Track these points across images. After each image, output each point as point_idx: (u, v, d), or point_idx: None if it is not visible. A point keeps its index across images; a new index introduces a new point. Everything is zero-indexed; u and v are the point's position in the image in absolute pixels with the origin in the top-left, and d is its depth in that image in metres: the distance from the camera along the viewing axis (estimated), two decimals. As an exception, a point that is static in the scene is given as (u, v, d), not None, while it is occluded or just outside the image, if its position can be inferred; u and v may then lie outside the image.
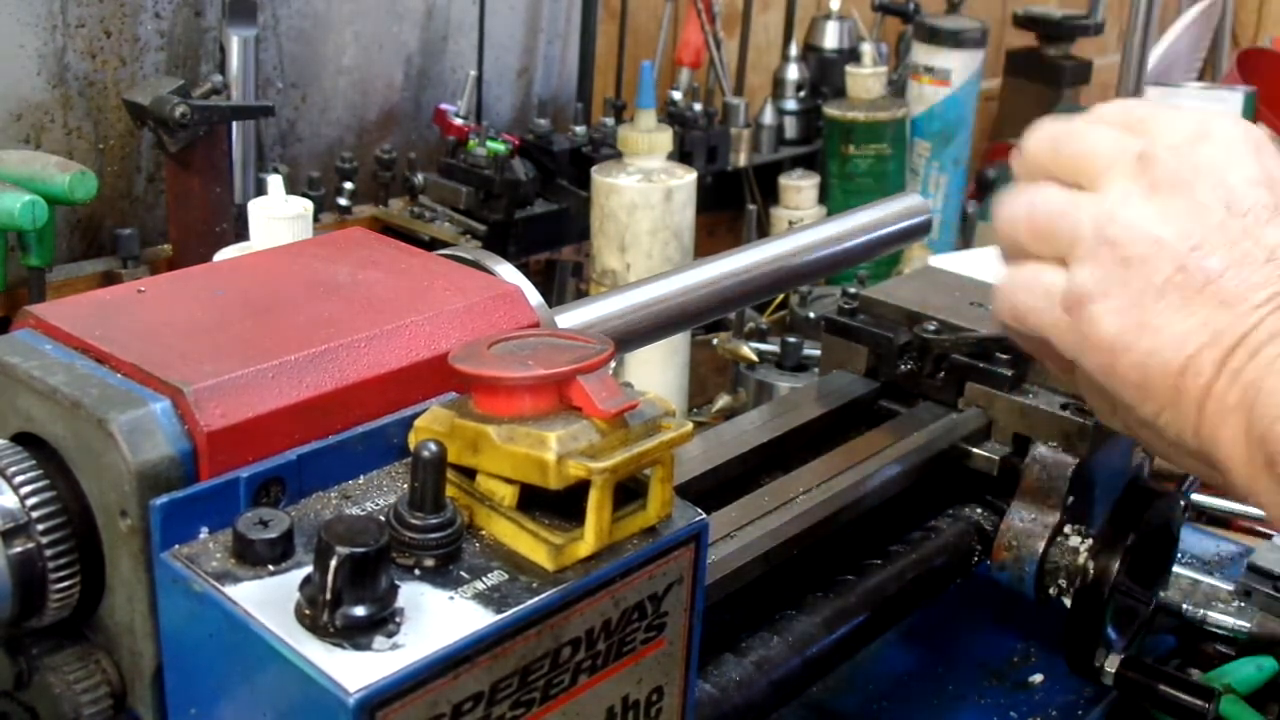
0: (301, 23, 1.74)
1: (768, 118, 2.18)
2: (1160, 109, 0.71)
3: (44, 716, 0.58)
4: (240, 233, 1.46)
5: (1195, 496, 1.32)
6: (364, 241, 0.75)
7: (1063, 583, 0.92)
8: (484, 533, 0.56)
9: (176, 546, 0.54)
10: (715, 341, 1.76)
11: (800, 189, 2.15)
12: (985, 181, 2.36)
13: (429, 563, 0.53)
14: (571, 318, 0.79)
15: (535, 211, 1.82)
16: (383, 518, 0.54)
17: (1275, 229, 0.65)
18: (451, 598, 0.52)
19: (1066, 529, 0.92)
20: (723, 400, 1.73)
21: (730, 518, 0.83)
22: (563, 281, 1.89)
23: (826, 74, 2.30)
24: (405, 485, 0.57)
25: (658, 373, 1.70)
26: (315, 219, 1.37)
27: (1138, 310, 0.66)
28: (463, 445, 0.56)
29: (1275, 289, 0.64)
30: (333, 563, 0.48)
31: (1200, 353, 0.64)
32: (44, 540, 0.56)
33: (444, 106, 1.86)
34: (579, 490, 0.54)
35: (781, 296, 1.85)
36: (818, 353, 1.37)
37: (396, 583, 0.51)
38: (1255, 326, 0.64)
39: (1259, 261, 0.65)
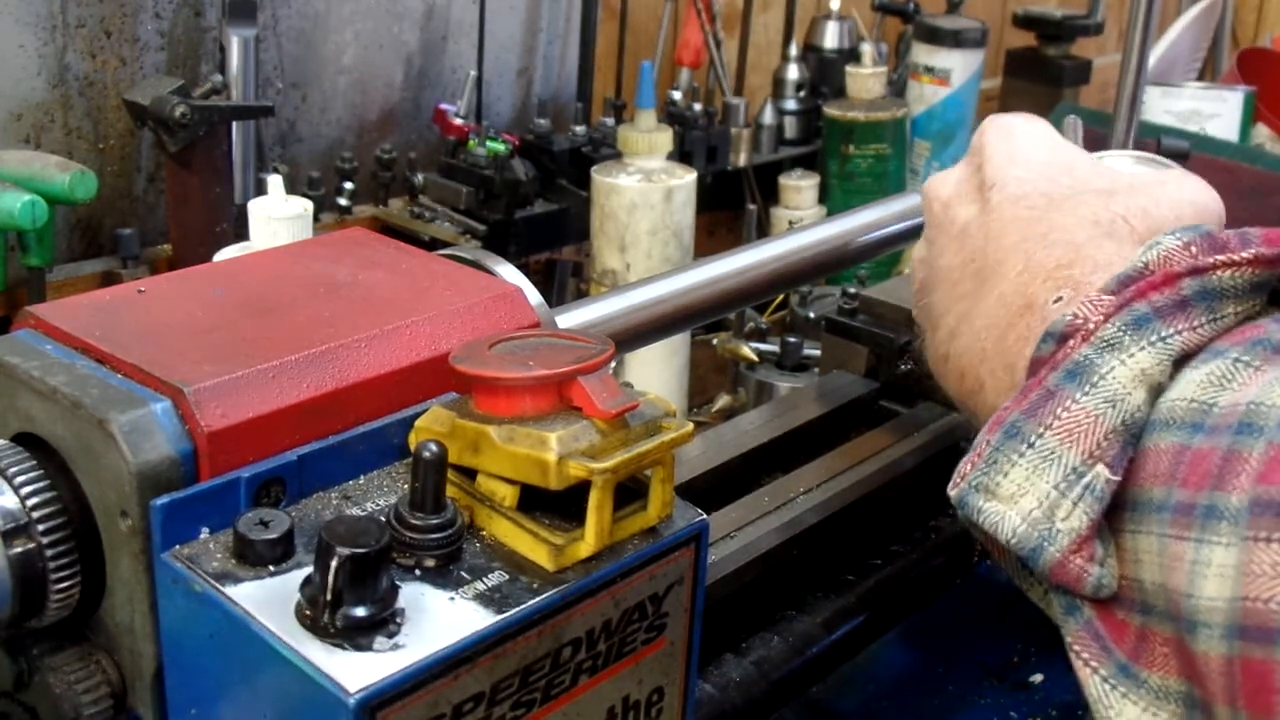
0: (301, 23, 1.74)
1: (768, 118, 2.19)
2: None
3: (44, 717, 0.58)
4: (240, 233, 1.46)
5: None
6: (364, 241, 0.75)
7: (1063, 583, 0.91)
8: (484, 533, 0.56)
9: (177, 547, 0.54)
10: (715, 341, 1.77)
11: (800, 189, 2.15)
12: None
13: (429, 563, 0.53)
14: (571, 318, 0.79)
15: (535, 211, 1.82)
16: (383, 518, 0.54)
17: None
18: (452, 598, 0.52)
19: (1067, 529, 0.92)
20: (723, 400, 1.74)
21: (730, 518, 0.83)
22: (563, 281, 1.89)
23: (826, 74, 2.30)
24: (406, 485, 0.57)
25: (658, 373, 1.70)
26: (315, 219, 1.37)
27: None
28: (463, 445, 0.56)
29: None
30: (333, 563, 0.48)
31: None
32: (44, 540, 0.56)
33: (444, 106, 1.87)
34: (579, 491, 0.54)
35: (781, 296, 1.85)
36: (818, 353, 1.37)
37: (397, 583, 0.51)
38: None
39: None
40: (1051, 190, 0.69)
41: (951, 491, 0.57)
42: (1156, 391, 0.54)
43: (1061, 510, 0.54)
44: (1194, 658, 0.50)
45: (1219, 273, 0.55)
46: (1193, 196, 0.70)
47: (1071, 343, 0.56)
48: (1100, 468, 0.53)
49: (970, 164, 0.75)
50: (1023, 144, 0.74)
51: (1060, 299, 0.61)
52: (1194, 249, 0.56)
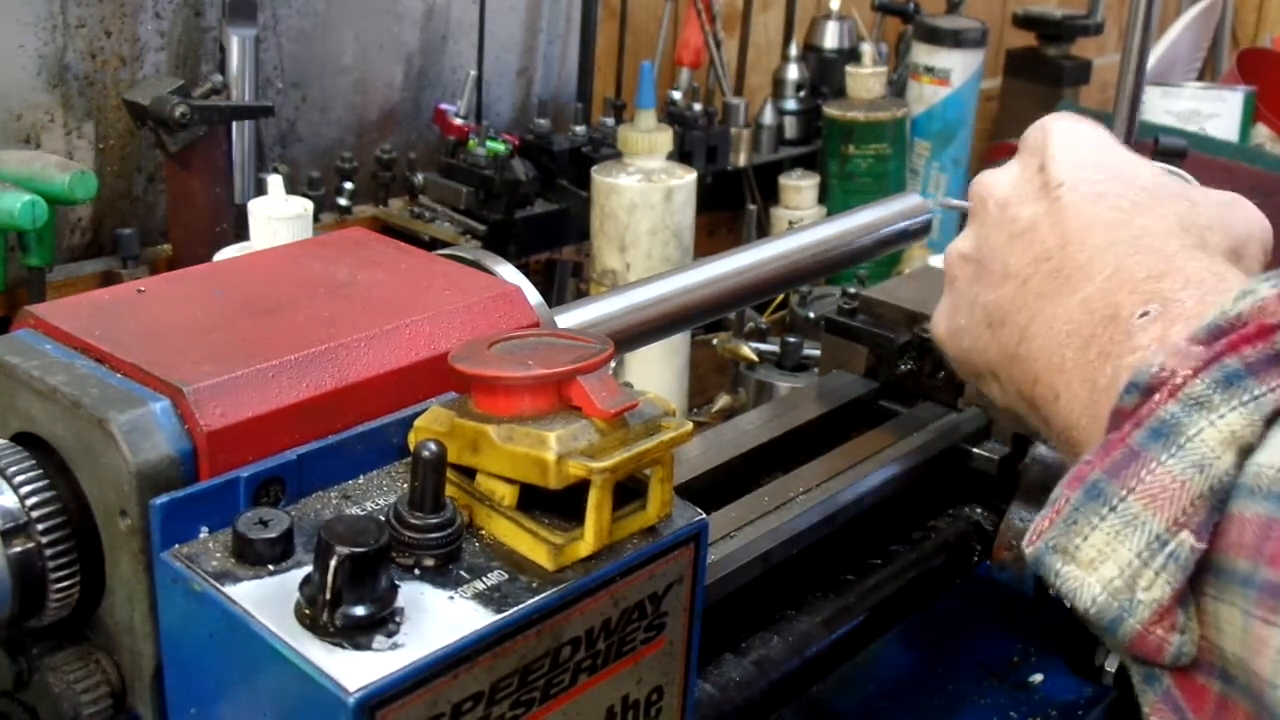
0: (301, 23, 1.74)
1: (768, 118, 2.18)
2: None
3: (44, 716, 0.58)
4: (240, 233, 1.46)
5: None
6: (364, 241, 0.75)
7: (1063, 583, 0.91)
8: (484, 532, 0.56)
9: (176, 546, 0.54)
10: (715, 341, 1.76)
11: (800, 189, 2.15)
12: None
13: (429, 562, 0.53)
14: (571, 318, 0.79)
15: (535, 211, 1.82)
16: (382, 517, 0.54)
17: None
18: (451, 597, 0.52)
19: (1066, 529, 0.92)
20: (723, 400, 1.73)
21: (730, 518, 0.83)
22: (563, 281, 1.89)
23: (826, 74, 2.30)
24: (405, 485, 0.57)
25: (658, 373, 1.70)
26: (315, 219, 1.37)
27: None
28: (462, 445, 0.56)
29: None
30: (333, 562, 0.48)
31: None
32: (44, 540, 0.56)
33: (444, 106, 1.86)
34: (579, 490, 0.54)
35: (781, 296, 1.85)
36: (818, 353, 1.37)
37: (396, 582, 0.51)
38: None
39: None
40: (1130, 193, 0.67)
41: (1027, 549, 0.55)
42: (1246, 451, 0.52)
43: (1143, 580, 0.51)
44: None
45: None
46: (1260, 219, 0.69)
47: (1157, 397, 0.53)
48: (1185, 534, 0.51)
49: (1029, 164, 0.73)
50: (1088, 146, 0.72)
51: (1147, 314, 0.59)
52: None
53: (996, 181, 0.75)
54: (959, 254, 0.77)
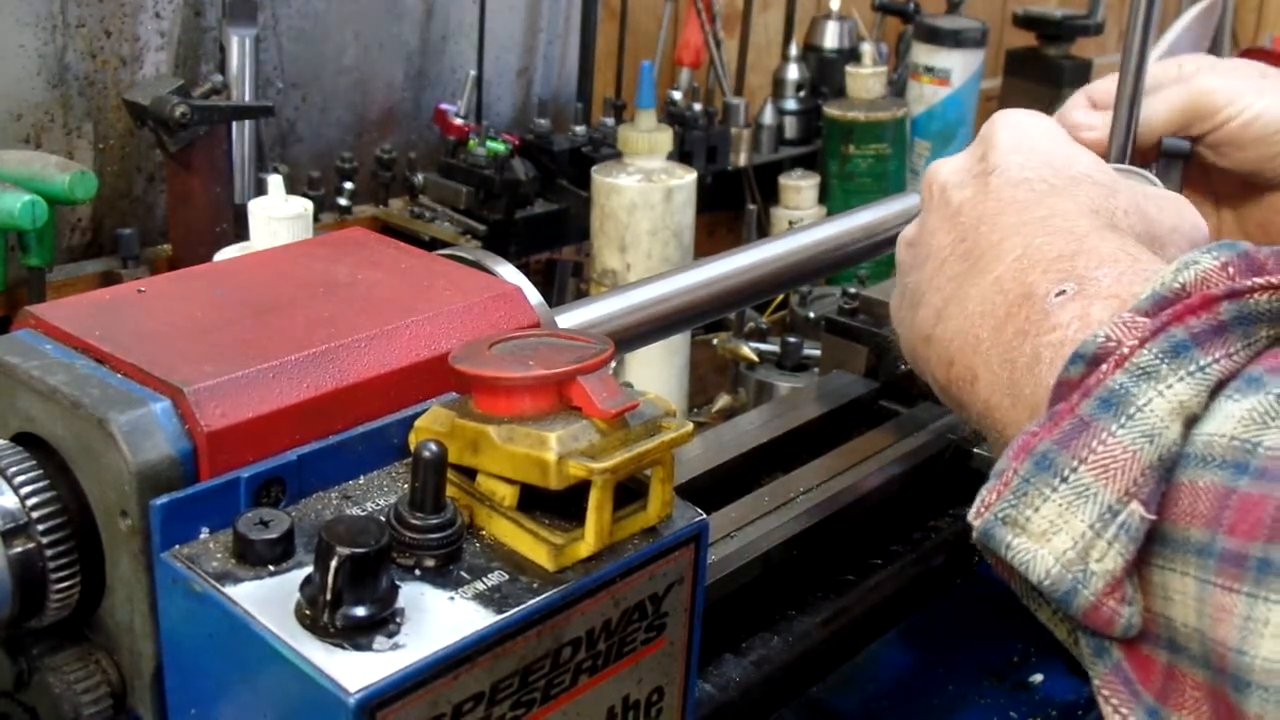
0: (301, 23, 1.74)
1: (768, 118, 2.18)
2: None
3: (44, 717, 0.58)
4: (240, 233, 1.46)
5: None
6: (364, 241, 0.75)
7: (1063, 583, 0.91)
8: (484, 533, 0.56)
9: (177, 547, 0.54)
10: (715, 341, 1.76)
11: (800, 189, 2.15)
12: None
13: (429, 563, 0.53)
14: (571, 318, 0.79)
15: (535, 211, 1.82)
16: (383, 518, 0.54)
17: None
18: (452, 598, 0.52)
19: (1067, 529, 0.92)
20: (723, 400, 1.73)
21: (730, 518, 0.83)
22: (563, 281, 1.89)
23: (826, 74, 2.30)
24: (405, 485, 0.57)
25: (658, 373, 1.70)
26: (315, 219, 1.37)
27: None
28: (463, 445, 0.56)
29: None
30: (333, 563, 0.48)
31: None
32: (44, 540, 0.56)
33: (444, 106, 1.86)
34: (579, 490, 0.54)
35: (781, 296, 1.85)
36: (818, 353, 1.37)
37: (397, 583, 0.51)
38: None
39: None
40: (1053, 178, 0.68)
41: (975, 521, 0.55)
42: (1191, 422, 0.52)
43: (1096, 551, 0.51)
44: (1244, 716, 0.47)
45: (1257, 296, 0.52)
46: (1191, 217, 0.70)
47: (1104, 367, 0.53)
48: (1135, 505, 0.51)
49: (974, 152, 0.75)
50: (1030, 135, 0.73)
51: (1063, 292, 0.59)
52: (1231, 270, 0.53)
53: (942, 168, 0.76)
54: (904, 240, 0.78)
